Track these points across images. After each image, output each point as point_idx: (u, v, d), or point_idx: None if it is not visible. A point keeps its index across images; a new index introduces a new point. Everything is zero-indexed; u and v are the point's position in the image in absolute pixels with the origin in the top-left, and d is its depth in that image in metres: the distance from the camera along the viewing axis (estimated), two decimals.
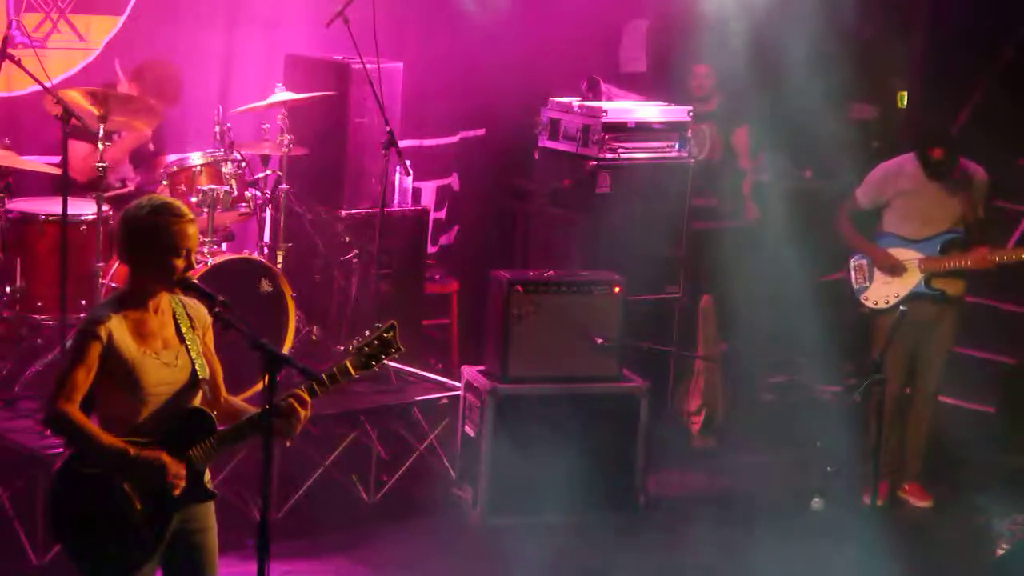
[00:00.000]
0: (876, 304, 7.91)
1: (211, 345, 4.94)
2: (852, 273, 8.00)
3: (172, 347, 4.80)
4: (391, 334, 5.00)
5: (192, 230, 4.75)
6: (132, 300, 4.78)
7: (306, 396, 4.80)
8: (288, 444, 4.94)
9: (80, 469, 4.71)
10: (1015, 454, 8.81)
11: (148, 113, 7.55)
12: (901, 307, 7.61)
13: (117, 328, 4.70)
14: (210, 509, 4.93)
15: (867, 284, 7.93)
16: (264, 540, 4.64)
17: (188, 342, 4.82)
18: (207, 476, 4.92)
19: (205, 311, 4.89)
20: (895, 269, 7.84)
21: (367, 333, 5.06)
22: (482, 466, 7.42)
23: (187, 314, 4.87)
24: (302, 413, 4.78)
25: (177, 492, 4.72)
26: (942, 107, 10.30)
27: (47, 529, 4.82)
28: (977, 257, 7.72)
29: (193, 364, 4.81)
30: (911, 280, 7.82)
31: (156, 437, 4.73)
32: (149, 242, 4.72)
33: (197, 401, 4.85)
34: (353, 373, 4.94)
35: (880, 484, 7.53)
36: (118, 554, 4.73)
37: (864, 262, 7.95)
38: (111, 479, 4.68)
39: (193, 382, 4.82)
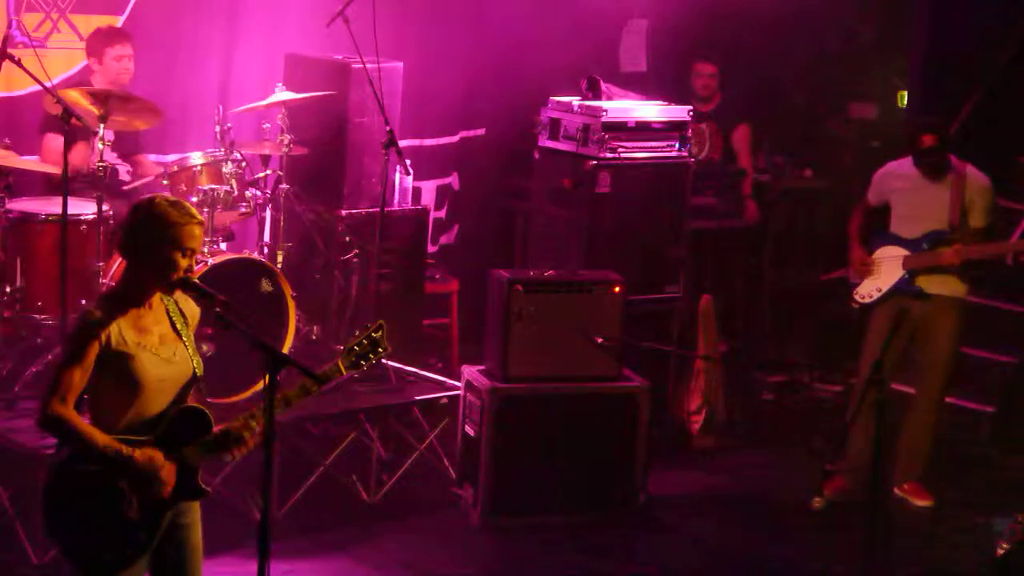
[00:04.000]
0: (863, 299, 7.93)
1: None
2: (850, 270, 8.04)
3: (169, 343, 4.79)
4: (379, 333, 5.08)
5: (198, 232, 4.76)
6: (129, 297, 4.77)
7: (255, 427, 4.83)
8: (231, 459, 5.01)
9: (76, 466, 4.71)
10: (1015, 454, 8.81)
11: (148, 112, 7.56)
12: (901, 306, 7.64)
13: (116, 324, 4.69)
14: (193, 503, 4.93)
15: (860, 280, 7.96)
16: (264, 540, 4.64)
17: (185, 338, 4.83)
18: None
19: (194, 306, 4.90)
20: (861, 272, 7.90)
21: (357, 333, 5.12)
22: (482, 466, 7.41)
23: (179, 309, 4.88)
24: (251, 444, 4.83)
25: (166, 494, 4.74)
26: (942, 106, 10.30)
27: (43, 525, 4.84)
28: (950, 252, 7.70)
29: (192, 360, 4.82)
30: (894, 275, 7.84)
31: (152, 435, 4.74)
32: (154, 236, 4.72)
33: (192, 398, 4.86)
34: (344, 372, 5.00)
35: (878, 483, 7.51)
36: (111, 551, 4.73)
37: None
38: (107, 477, 4.69)
39: (192, 379, 4.83)
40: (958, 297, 7.87)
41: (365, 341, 5.05)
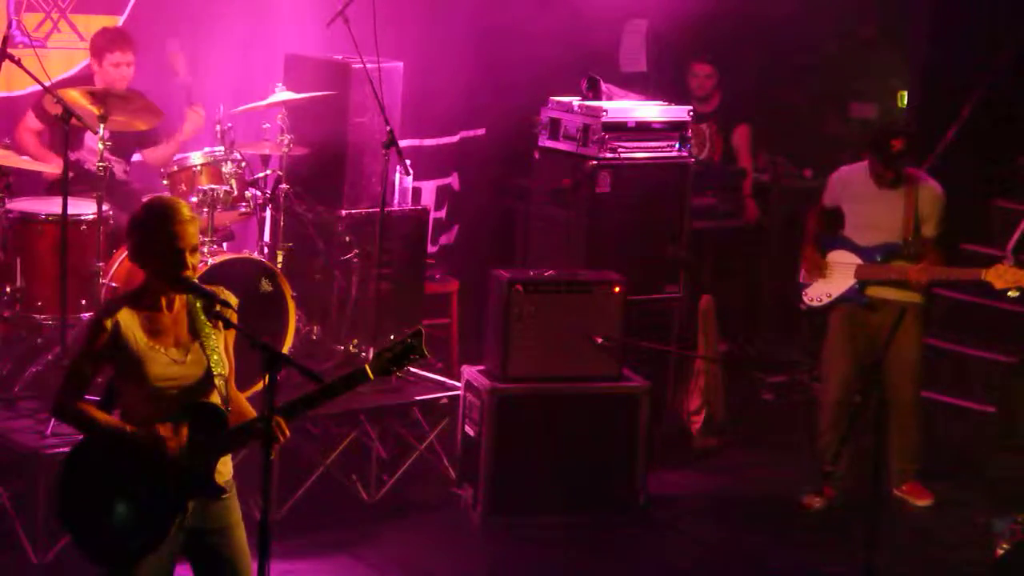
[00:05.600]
0: (811, 302, 7.92)
1: (230, 343, 4.97)
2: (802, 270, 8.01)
3: (184, 344, 4.84)
4: (417, 340, 4.96)
5: (190, 229, 4.79)
6: (143, 298, 4.86)
7: (284, 420, 4.83)
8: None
9: (88, 456, 4.81)
10: (1015, 454, 8.81)
11: (148, 112, 7.56)
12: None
13: (126, 321, 4.78)
14: (228, 507, 4.95)
15: (810, 282, 7.93)
16: (264, 540, 4.65)
17: (205, 339, 4.85)
18: (229, 472, 4.95)
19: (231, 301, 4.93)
20: (812, 272, 7.89)
21: (392, 337, 5.02)
22: (482, 466, 7.42)
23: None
24: (282, 439, 4.82)
25: (170, 465, 4.74)
26: (942, 106, 10.30)
27: (54, 515, 4.90)
28: (911, 272, 7.63)
29: (208, 360, 4.84)
30: (844, 283, 7.81)
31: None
32: (147, 241, 4.80)
33: (213, 397, 4.87)
34: (371, 376, 4.93)
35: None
36: (120, 542, 4.77)
37: None
38: (119, 466, 4.75)
39: (207, 378, 4.84)
40: (914, 302, 7.78)
41: (399, 347, 4.92)
